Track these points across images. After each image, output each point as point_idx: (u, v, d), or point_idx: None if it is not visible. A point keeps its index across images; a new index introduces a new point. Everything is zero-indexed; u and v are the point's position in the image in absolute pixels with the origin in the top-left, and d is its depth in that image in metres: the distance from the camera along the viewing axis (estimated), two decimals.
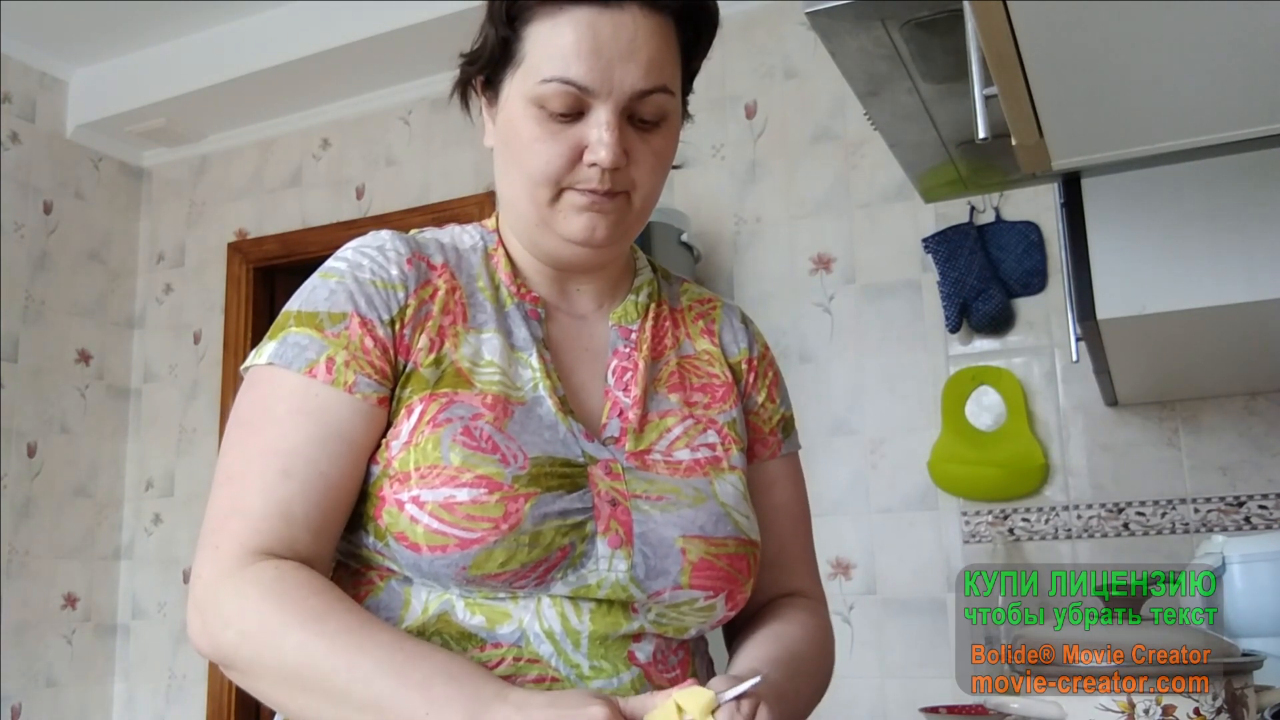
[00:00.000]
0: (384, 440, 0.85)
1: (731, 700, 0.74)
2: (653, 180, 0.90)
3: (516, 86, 0.87)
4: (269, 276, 3.45)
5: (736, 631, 0.98)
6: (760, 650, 0.90)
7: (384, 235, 0.91)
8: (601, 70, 0.84)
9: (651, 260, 1.06)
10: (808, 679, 0.92)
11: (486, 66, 0.91)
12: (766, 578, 0.99)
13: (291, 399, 0.83)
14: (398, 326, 0.86)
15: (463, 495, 0.79)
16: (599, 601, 0.83)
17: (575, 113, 0.85)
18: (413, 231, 0.95)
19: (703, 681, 0.90)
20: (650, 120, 0.88)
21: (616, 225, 0.89)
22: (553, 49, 0.85)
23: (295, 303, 0.88)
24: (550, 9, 0.85)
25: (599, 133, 0.84)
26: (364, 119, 3.35)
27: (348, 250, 0.91)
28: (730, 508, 0.89)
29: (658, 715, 0.72)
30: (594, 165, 0.85)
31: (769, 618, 0.96)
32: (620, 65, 0.84)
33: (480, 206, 3.04)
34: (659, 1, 0.86)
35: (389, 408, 0.85)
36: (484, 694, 0.71)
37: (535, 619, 0.82)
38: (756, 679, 0.76)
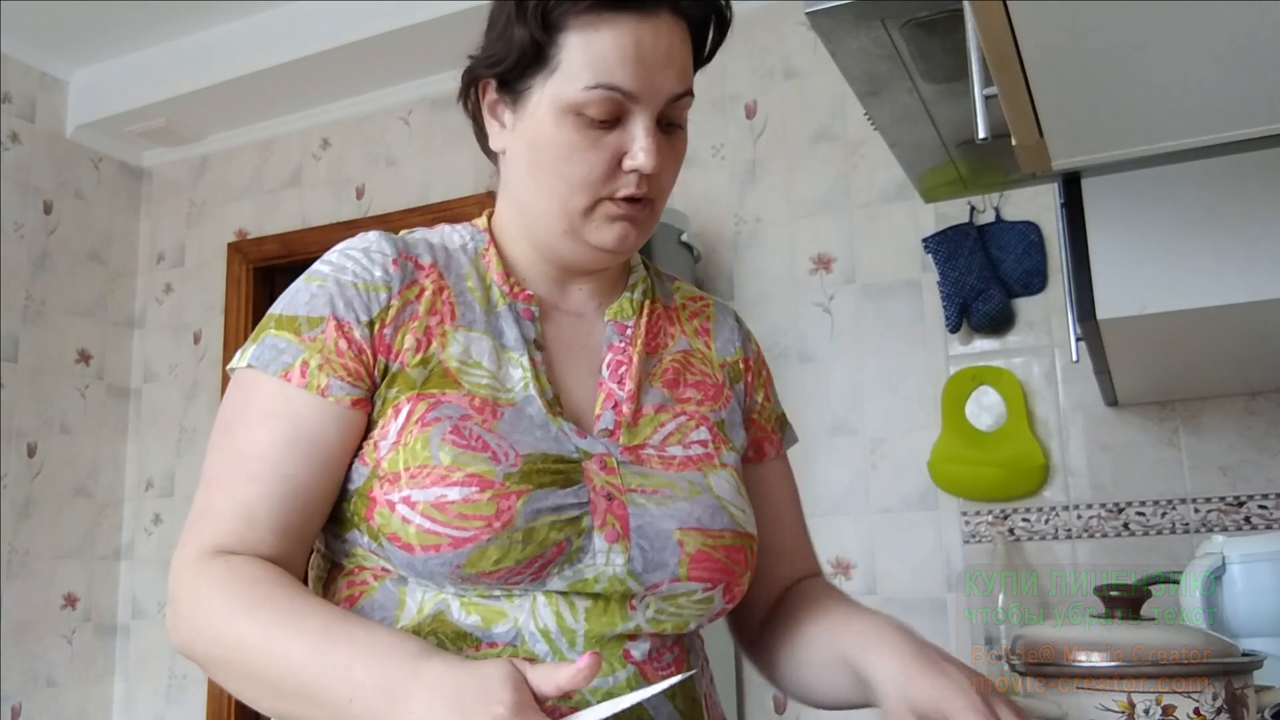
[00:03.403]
0: (372, 440, 0.85)
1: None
2: (672, 182, 0.93)
3: (549, 92, 0.87)
4: (269, 276, 3.45)
5: (775, 623, 0.99)
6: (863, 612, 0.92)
7: (371, 236, 0.92)
8: (645, 77, 0.85)
9: (644, 259, 1.07)
10: None
11: (513, 69, 0.90)
12: (785, 567, 1.03)
13: (265, 402, 0.85)
14: (377, 327, 0.87)
15: (454, 494, 0.80)
16: (595, 599, 0.83)
17: (613, 119, 0.86)
18: (403, 232, 0.96)
19: (699, 680, 0.91)
20: (675, 124, 0.90)
21: (643, 231, 0.92)
22: (594, 56, 0.85)
23: (278, 306, 0.89)
24: (590, 17, 0.85)
25: (641, 140, 0.86)
26: (364, 119, 3.35)
27: (334, 253, 0.91)
28: (726, 501, 0.90)
29: None
30: (633, 171, 0.87)
31: (817, 595, 0.98)
32: (660, 72, 0.86)
33: (480, 207, 3.02)
34: (686, 9, 0.89)
35: (369, 408, 0.86)
36: (401, 673, 0.71)
37: (530, 618, 0.82)
38: (681, 676, 0.79)
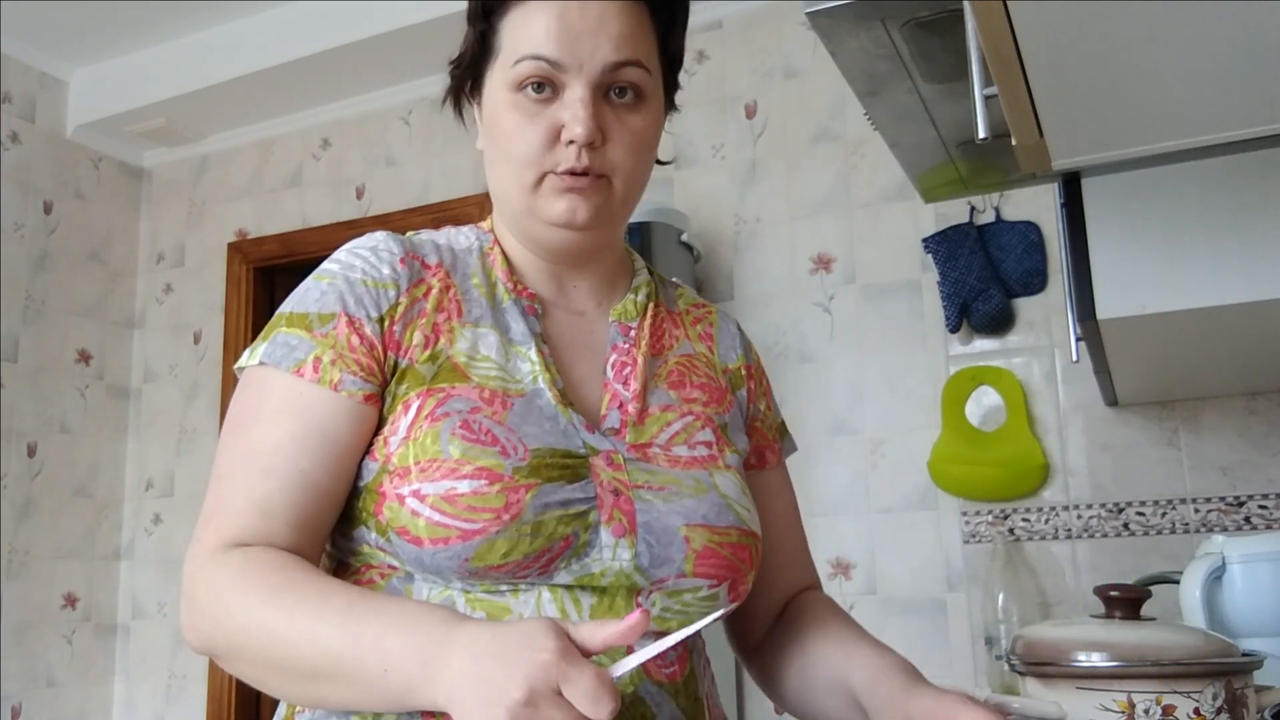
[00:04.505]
0: (382, 436, 0.85)
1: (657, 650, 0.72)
2: (633, 162, 0.91)
3: (496, 78, 0.91)
4: (269, 276, 3.45)
5: (780, 637, 1.00)
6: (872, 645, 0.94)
7: (378, 236, 0.93)
8: (570, 44, 0.87)
9: (648, 265, 1.07)
10: None
11: (471, 66, 0.94)
12: (785, 576, 1.04)
13: (278, 399, 0.85)
14: (387, 323, 0.87)
15: (463, 487, 0.80)
16: (601, 595, 0.84)
17: (551, 93, 0.88)
18: (409, 233, 0.97)
19: (701, 680, 0.91)
20: (626, 97, 0.89)
21: (600, 209, 0.90)
22: (525, 33, 0.88)
23: (288, 305, 0.90)
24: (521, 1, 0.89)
25: (573, 109, 0.87)
26: (364, 119, 3.35)
27: (342, 252, 0.92)
28: (731, 499, 0.90)
29: None
30: (571, 143, 0.87)
31: (825, 616, 1.00)
32: (589, 39, 0.87)
33: (480, 207, 3.04)
34: None
35: (380, 404, 0.86)
36: (434, 637, 0.71)
37: (535, 614, 0.82)
38: (719, 613, 0.78)
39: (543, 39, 0.87)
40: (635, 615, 0.69)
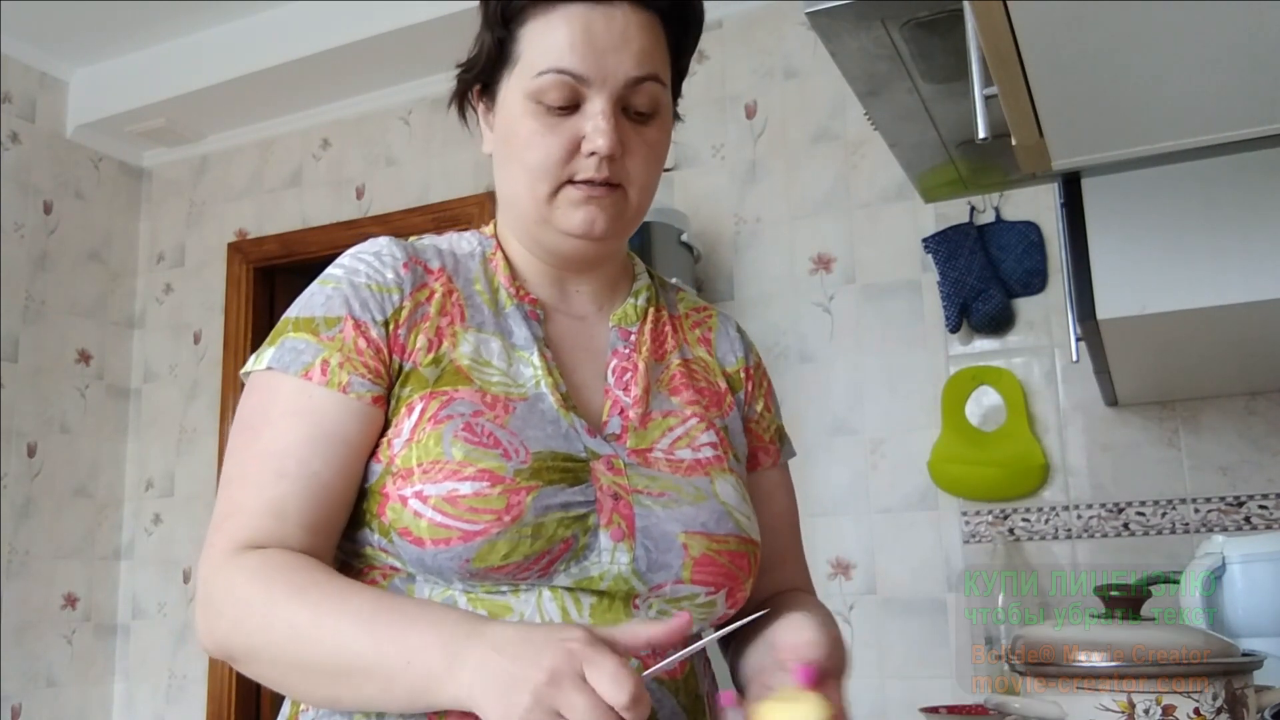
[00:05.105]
0: (386, 439, 0.86)
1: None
2: (648, 173, 0.92)
3: (514, 85, 0.90)
4: (269, 276, 3.45)
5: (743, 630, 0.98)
6: (803, 616, 0.88)
7: (381, 241, 0.94)
8: (595, 59, 0.87)
9: (648, 268, 1.07)
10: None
11: (484, 71, 0.93)
12: (768, 579, 1.01)
13: (287, 401, 0.85)
14: (392, 327, 0.88)
15: (465, 488, 0.81)
16: (600, 596, 0.84)
17: (571, 105, 0.88)
18: (411, 238, 0.97)
19: (700, 679, 0.91)
20: (644, 111, 0.90)
21: (616, 219, 0.91)
22: (547, 44, 0.88)
23: (294, 310, 0.90)
24: (543, 8, 0.88)
25: (596, 121, 0.87)
26: (364, 119, 3.35)
27: (345, 257, 0.93)
28: (731, 507, 0.90)
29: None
30: (592, 154, 0.87)
31: (784, 605, 0.96)
32: (613, 54, 0.87)
33: (480, 207, 3.04)
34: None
35: (386, 406, 0.87)
36: (459, 632, 0.72)
37: (536, 612, 0.82)
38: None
39: (567, 52, 0.87)
40: (683, 617, 0.71)
